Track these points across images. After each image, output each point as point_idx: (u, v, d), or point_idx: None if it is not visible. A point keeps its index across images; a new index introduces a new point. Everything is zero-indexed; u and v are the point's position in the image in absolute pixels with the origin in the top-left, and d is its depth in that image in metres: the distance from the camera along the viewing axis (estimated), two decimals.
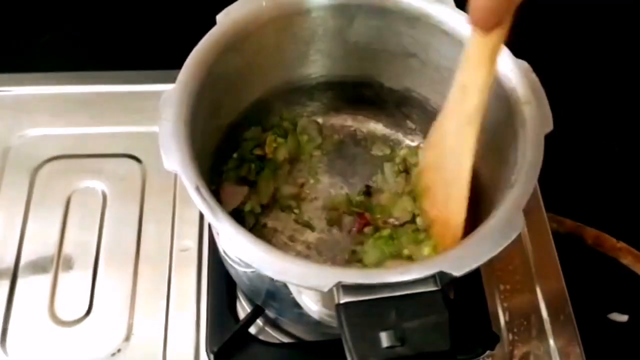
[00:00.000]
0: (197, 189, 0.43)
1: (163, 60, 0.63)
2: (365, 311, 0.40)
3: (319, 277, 0.41)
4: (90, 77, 0.75)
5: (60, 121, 0.72)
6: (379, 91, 0.62)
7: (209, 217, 0.42)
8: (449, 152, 0.49)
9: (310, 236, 0.59)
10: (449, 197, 0.50)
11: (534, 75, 0.49)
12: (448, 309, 0.41)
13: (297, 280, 0.41)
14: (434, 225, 0.53)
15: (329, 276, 0.40)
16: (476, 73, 0.44)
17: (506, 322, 0.62)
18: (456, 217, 0.49)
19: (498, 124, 0.50)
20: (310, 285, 0.41)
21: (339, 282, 0.40)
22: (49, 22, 0.84)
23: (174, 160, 0.44)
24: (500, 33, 0.41)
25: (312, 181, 0.62)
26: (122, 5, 0.76)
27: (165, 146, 0.45)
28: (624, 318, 0.77)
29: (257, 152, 0.61)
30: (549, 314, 0.63)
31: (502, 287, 0.64)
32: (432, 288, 0.41)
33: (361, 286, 0.40)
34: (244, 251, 0.41)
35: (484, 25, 0.40)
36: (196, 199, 0.43)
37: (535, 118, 0.47)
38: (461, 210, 0.49)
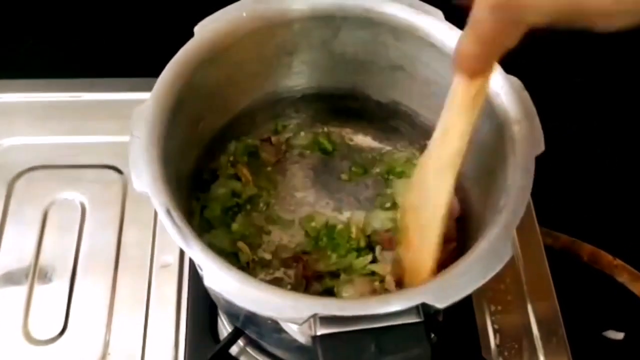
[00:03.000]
0: (168, 212, 0.41)
1: (146, 67, 0.61)
2: (344, 344, 0.39)
3: (294, 308, 0.38)
4: (69, 84, 0.73)
5: (38, 130, 0.70)
6: (366, 104, 0.60)
7: (179, 242, 0.40)
8: (427, 194, 0.47)
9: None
10: (422, 241, 0.47)
11: (525, 93, 0.47)
12: (430, 343, 0.39)
13: (271, 313, 0.39)
14: (407, 270, 0.50)
15: (305, 308, 0.38)
16: (458, 117, 0.42)
17: (497, 346, 0.60)
18: (426, 263, 0.47)
19: (487, 144, 0.48)
20: (286, 317, 0.39)
21: (316, 314, 0.38)
22: (31, 27, 0.82)
23: (144, 180, 0.42)
24: (484, 79, 0.40)
25: (298, 195, 0.60)
26: (106, 13, 0.74)
27: (135, 165, 0.43)
28: (619, 336, 0.76)
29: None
30: (542, 337, 0.61)
31: (493, 307, 0.62)
32: (415, 320, 0.39)
33: (339, 318, 0.38)
34: (215, 280, 0.39)
35: (469, 71, 0.39)
36: (166, 223, 0.41)
37: (525, 139, 0.45)
38: (431, 256, 0.46)
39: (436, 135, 0.44)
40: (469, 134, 0.42)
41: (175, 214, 0.41)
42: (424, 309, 0.39)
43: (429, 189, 0.46)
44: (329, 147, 0.62)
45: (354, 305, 0.39)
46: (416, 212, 0.49)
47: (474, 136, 0.43)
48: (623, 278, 0.75)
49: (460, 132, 0.42)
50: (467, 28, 0.36)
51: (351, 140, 0.63)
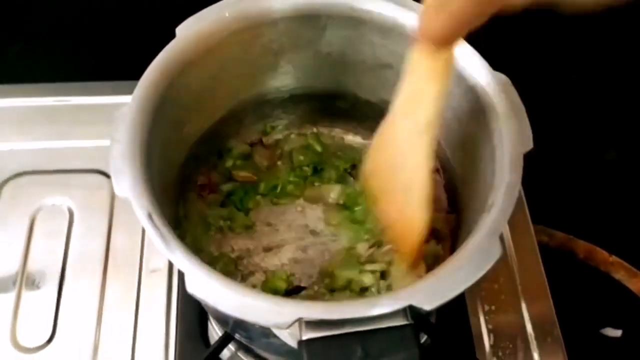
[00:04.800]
0: (149, 216, 0.40)
1: (134, 70, 0.60)
2: (330, 348, 0.38)
3: (278, 313, 0.38)
4: (55, 89, 0.72)
5: (24, 135, 0.69)
6: (354, 103, 0.59)
7: (159, 247, 0.40)
8: (402, 157, 0.46)
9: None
10: (407, 202, 0.47)
11: (513, 90, 0.46)
12: (419, 346, 0.38)
13: (254, 318, 0.38)
14: (392, 229, 0.50)
15: (289, 312, 0.38)
16: (428, 84, 0.41)
17: (491, 346, 0.59)
18: (416, 222, 0.46)
19: (475, 141, 0.47)
20: (269, 323, 0.38)
21: (301, 318, 0.37)
22: (21, 31, 0.81)
23: (125, 185, 0.41)
24: (451, 50, 0.40)
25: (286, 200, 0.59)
26: (92, 15, 0.73)
27: (116, 170, 0.42)
28: (617, 333, 0.75)
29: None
30: (536, 336, 0.60)
31: (486, 307, 0.61)
32: (402, 322, 0.38)
33: (325, 321, 0.38)
34: (197, 285, 0.38)
35: (436, 44, 0.38)
36: (148, 228, 0.40)
37: (514, 136, 0.44)
38: (421, 215, 0.46)
39: (402, 101, 0.44)
40: (443, 98, 0.42)
41: (157, 219, 0.40)
42: (412, 311, 0.38)
43: (404, 152, 0.45)
44: (318, 148, 0.61)
45: (339, 308, 0.38)
46: (392, 176, 0.48)
47: (459, 127, 0.42)
48: (620, 275, 0.74)
49: (434, 97, 0.41)
50: (438, 3, 0.35)
51: (341, 140, 0.63)
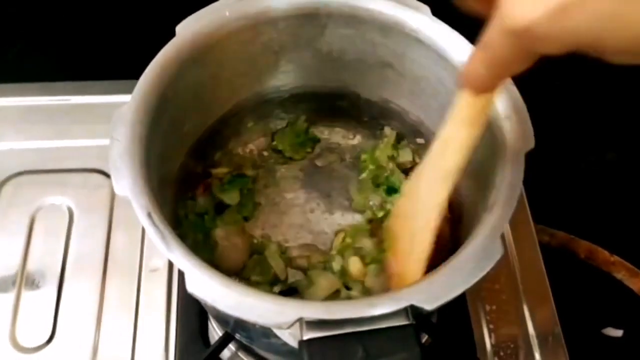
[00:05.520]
0: (149, 215, 0.40)
1: (134, 69, 0.60)
2: (331, 348, 0.38)
3: (279, 313, 0.37)
4: (56, 88, 0.72)
5: (24, 135, 0.69)
6: (355, 102, 0.59)
7: (159, 246, 0.39)
8: (420, 204, 0.46)
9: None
10: (412, 250, 0.46)
11: (514, 89, 0.46)
12: (420, 346, 0.38)
13: (255, 318, 0.37)
14: (393, 278, 0.49)
15: (289, 312, 0.37)
16: (459, 131, 0.41)
17: (492, 346, 0.59)
18: (414, 273, 0.45)
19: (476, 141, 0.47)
20: (270, 322, 0.38)
21: (301, 318, 0.37)
22: (21, 30, 0.81)
23: (125, 184, 0.41)
24: (490, 96, 0.39)
25: (288, 197, 0.59)
26: (92, 14, 0.73)
27: (116, 169, 0.42)
28: (618, 333, 0.75)
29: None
30: (537, 336, 0.60)
31: (487, 307, 0.61)
32: (403, 322, 0.38)
33: (325, 321, 0.37)
34: (197, 284, 0.38)
35: (475, 90, 0.38)
36: (147, 227, 0.40)
37: (515, 135, 0.44)
38: (419, 265, 0.45)
39: (435, 147, 0.43)
40: (469, 148, 0.41)
41: (157, 217, 0.40)
42: (413, 311, 0.38)
43: (422, 199, 0.45)
44: (317, 146, 0.61)
45: (340, 308, 0.38)
46: (407, 221, 0.48)
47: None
48: (621, 275, 0.74)
49: (460, 145, 0.41)
50: (478, 48, 0.34)
51: (341, 139, 0.62)
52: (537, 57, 0.32)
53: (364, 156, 0.60)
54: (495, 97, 0.41)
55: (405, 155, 0.59)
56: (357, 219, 0.58)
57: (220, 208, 0.57)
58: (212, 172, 0.58)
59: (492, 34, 0.33)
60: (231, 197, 0.56)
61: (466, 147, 0.41)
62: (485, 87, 0.37)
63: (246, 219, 0.57)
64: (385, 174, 0.59)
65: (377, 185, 0.58)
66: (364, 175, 0.59)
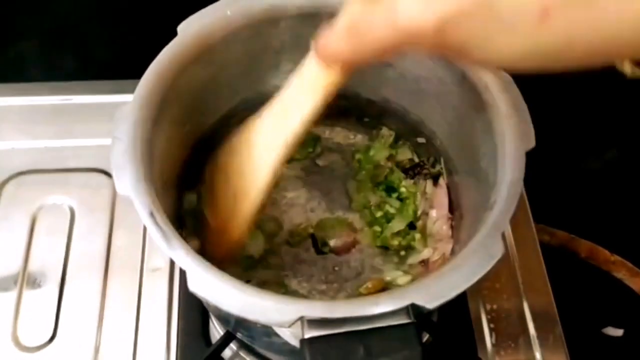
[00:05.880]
0: (151, 214, 0.40)
1: (135, 69, 0.60)
2: (332, 346, 0.38)
3: (281, 311, 0.38)
4: (58, 87, 0.72)
5: (26, 134, 0.70)
6: (356, 102, 0.59)
7: (161, 245, 0.39)
8: (251, 163, 0.45)
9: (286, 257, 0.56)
10: (234, 208, 0.46)
11: (515, 88, 0.46)
12: (421, 344, 0.38)
13: (256, 317, 0.38)
14: (212, 233, 0.49)
15: (291, 311, 0.37)
16: (302, 98, 0.41)
17: (493, 345, 0.59)
18: (234, 230, 0.46)
19: (477, 140, 0.47)
20: (271, 321, 0.38)
21: (303, 317, 0.37)
22: (23, 30, 0.81)
23: (127, 183, 0.41)
24: (339, 75, 0.39)
25: (289, 195, 0.59)
26: (94, 14, 0.73)
27: (118, 168, 0.42)
28: (619, 332, 0.75)
29: None
30: (538, 335, 0.60)
31: (488, 306, 0.61)
32: (404, 321, 0.38)
33: (327, 320, 0.37)
34: (199, 283, 0.38)
35: (327, 61, 0.38)
36: (149, 226, 0.40)
37: (515, 134, 0.44)
38: (240, 224, 0.45)
39: (275, 107, 0.44)
40: (310, 119, 0.41)
41: (159, 216, 0.40)
42: (414, 309, 0.38)
43: (254, 158, 0.45)
44: (318, 146, 0.61)
45: (341, 307, 0.38)
46: (233, 176, 0.47)
47: (460, 126, 0.42)
48: (621, 274, 0.74)
49: (302, 113, 0.41)
50: (347, 24, 0.34)
51: (342, 138, 0.62)
52: (407, 51, 0.34)
53: (358, 155, 0.60)
54: (343, 80, 0.39)
55: (404, 154, 0.59)
56: (357, 218, 0.58)
57: None
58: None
59: (375, 20, 0.32)
60: None
61: (306, 116, 0.41)
62: (338, 64, 0.37)
63: None
64: (385, 173, 0.59)
65: (376, 185, 0.59)
66: (361, 174, 0.59)
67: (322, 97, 0.40)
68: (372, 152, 0.59)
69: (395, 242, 0.55)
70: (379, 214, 0.57)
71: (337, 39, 0.35)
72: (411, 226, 0.56)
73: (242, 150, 0.46)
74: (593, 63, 0.31)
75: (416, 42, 0.31)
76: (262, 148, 0.44)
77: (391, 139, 0.60)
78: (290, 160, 0.60)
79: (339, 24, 0.34)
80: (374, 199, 0.57)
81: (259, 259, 0.54)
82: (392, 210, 0.56)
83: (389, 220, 0.56)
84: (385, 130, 0.60)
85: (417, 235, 0.55)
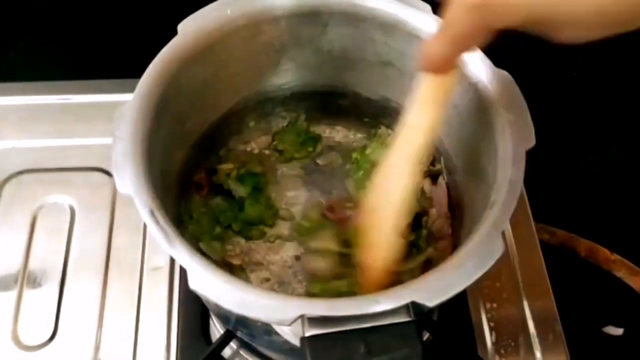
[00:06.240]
0: (152, 213, 0.40)
1: (136, 68, 0.60)
2: (333, 345, 0.38)
3: (281, 309, 0.38)
4: (58, 87, 0.72)
5: (26, 133, 0.69)
6: (356, 101, 0.59)
7: (162, 244, 0.39)
8: (388, 193, 0.46)
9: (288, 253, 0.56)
10: (381, 241, 0.47)
11: (515, 87, 0.46)
12: (422, 342, 0.38)
13: (257, 314, 0.38)
14: (365, 271, 0.49)
15: (292, 309, 0.37)
16: (423, 114, 0.42)
17: (493, 343, 0.59)
18: (380, 262, 0.46)
19: (477, 139, 0.47)
20: (272, 319, 0.38)
21: (303, 315, 0.37)
22: (23, 29, 0.81)
23: (127, 182, 0.41)
24: (452, 75, 0.40)
25: (289, 195, 0.59)
26: (94, 13, 0.73)
27: (118, 167, 0.42)
28: (619, 331, 0.75)
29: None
30: (538, 334, 0.60)
31: (488, 305, 0.61)
32: (405, 319, 0.38)
33: (327, 318, 0.37)
34: (200, 281, 0.38)
35: (437, 70, 0.39)
36: (150, 224, 0.40)
37: (516, 133, 0.44)
38: (386, 252, 0.46)
39: (401, 133, 0.44)
40: (434, 130, 0.43)
41: (159, 215, 0.40)
42: (414, 308, 0.38)
43: (390, 187, 0.46)
44: (319, 145, 0.61)
45: (342, 305, 0.38)
46: (375, 213, 0.48)
47: (461, 125, 0.42)
48: (621, 273, 0.74)
49: (426, 128, 0.42)
50: (439, 30, 0.36)
51: (342, 137, 0.63)
52: (495, 31, 0.34)
53: (355, 155, 0.60)
54: (456, 76, 0.41)
55: None
56: None
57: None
58: (218, 167, 0.58)
59: (452, 13, 0.34)
60: (242, 191, 0.57)
61: (431, 129, 0.42)
62: (445, 66, 0.38)
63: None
64: None
65: None
66: (360, 173, 0.59)
67: (440, 106, 0.42)
68: (368, 151, 0.59)
69: (411, 237, 0.54)
70: None
71: (433, 49, 0.37)
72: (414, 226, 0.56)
73: (380, 186, 0.47)
74: None
75: (493, 12, 0.33)
76: (396, 176, 0.45)
77: (390, 138, 0.60)
78: (290, 159, 0.61)
79: (433, 36, 0.37)
80: None
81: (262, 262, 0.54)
82: None
83: None
84: (383, 130, 0.60)
85: (424, 232, 0.55)
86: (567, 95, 0.83)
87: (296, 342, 0.43)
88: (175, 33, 0.49)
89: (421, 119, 0.42)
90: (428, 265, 0.54)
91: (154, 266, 0.62)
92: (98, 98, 0.71)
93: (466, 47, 0.37)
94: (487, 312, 0.61)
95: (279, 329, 0.46)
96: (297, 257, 0.55)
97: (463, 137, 0.50)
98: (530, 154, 0.44)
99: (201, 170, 0.57)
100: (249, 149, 0.61)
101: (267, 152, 0.61)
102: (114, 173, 0.42)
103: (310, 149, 0.61)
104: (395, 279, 0.48)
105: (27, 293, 0.61)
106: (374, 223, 0.48)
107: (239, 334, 0.54)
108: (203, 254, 0.50)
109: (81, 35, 0.74)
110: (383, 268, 0.47)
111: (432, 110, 0.42)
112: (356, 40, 0.53)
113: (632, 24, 0.30)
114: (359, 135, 0.62)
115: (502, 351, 0.59)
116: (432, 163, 0.58)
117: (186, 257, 0.39)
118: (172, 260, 0.62)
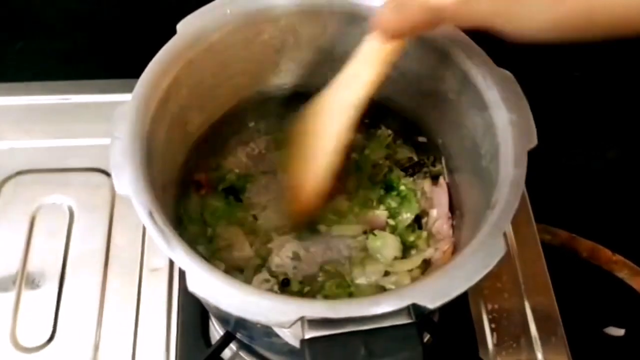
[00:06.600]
0: (150, 214, 0.40)
1: (135, 68, 0.60)
2: (333, 347, 0.37)
3: (281, 312, 0.37)
4: (57, 87, 0.71)
5: (25, 134, 0.70)
6: None
7: (160, 245, 0.39)
8: (321, 129, 0.50)
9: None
10: (307, 169, 0.51)
11: (517, 87, 0.46)
12: (422, 344, 0.37)
13: (257, 317, 0.37)
14: (294, 189, 0.53)
15: (291, 311, 0.37)
16: (367, 68, 0.46)
17: (494, 345, 0.59)
18: (314, 185, 0.51)
19: (478, 139, 0.47)
20: (272, 321, 0.37)
21: (303, 317, 0.37)
22: (23, 29, 0.81)
23: (126, 182, 0.41)
24: (395, 46, 0.44)
25: None
26: (92, 13, 0.73)
27: (117, 167, 0.42)
28: (620, 332, 0.75)
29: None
30: (540, 335, 0.60)
31: (489, 306, 0.61)
32: (405, 321, 0.38)
33: (327, 320, 0.37)
34: (198, 283, 0.38)
35: (387, 36, 0.43)
36: (148, 226, 0.40)
37: (517, 133, 0.44)
38: (312, 185, 0.51)
39: (340, 78, 0.48)
40: (374, 85, 0.46)
41: (158, 216, 0.40)
42: (415, 309, 0.38)
43: (324, 125, 0.49)
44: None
45: (342, 306, 0.38)
46: (307, 139, 0.51)
47: (462, 125, 0.44)
48: (623, 273, 0.74)
49: (366, 81, 0.46)
50: (394, 4, 0.40)
51: None
52: (438, 25, 0.38)
53: (353, 155, 0.60)
54: (400, 49, 0.45)
55: (404, 153, 0.59)
56: None
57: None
58: (218, 168, 0.58)
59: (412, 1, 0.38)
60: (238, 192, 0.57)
61: (371, 82, 0.46)
62: (396, 36, 0.43)
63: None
64: (383, 172, 0.59)
65: (374, 184, 0.58)
66: (359, 173, 0.59)
67: (381, 66, 0.45)
68: (367, 152, 0.59)
69: (411, 238, 0.55)
70: (381, 208, 0.56)
71: (387, 14, 0.41)
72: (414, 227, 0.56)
73: (312, 118, 0.51)
74: (619, 33, 0.33)
75: (444, 18, 0.37)
76: (330, 114, 0.49)
77: (389, 139, 0.59)
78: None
79: (388, 4, 0.40)
80: (373, 196, 0.57)
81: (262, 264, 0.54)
82: (393, 204, 0.56)
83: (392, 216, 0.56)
84: (382, 130, 0.60)
85: (424, 234, 0.55)
86: (569, 95, 0.82)
87: (296, 344, 0.43)
88: (174, 32, 0.48)
89: (362, 70, 0.46)
90: (428, 267, 0.54)
91: (153, 267, 0.62)
92: (97, 98, 0.71)
93: (415, 33, 0.42)
94: (488, 313, 0.61)
95: (279, 331, 0.45)
96: (297, 258, 0.55)
97: (464, 137, 0.50)
98: (532, 154, 0.44)
99: (201, 170, 0.56)
100: (249, 149, 0.60)
101: (266, 152, 0.61)
102: (112, 174, 0.42)
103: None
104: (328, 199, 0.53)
105: (26, 294, 0.60)
106: (303, 149, 0.52)
107: (238, 335, 0.54)
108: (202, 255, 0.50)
109: (81, 35, 0.74)
110: (314, 189, 0.51)
111: (373, 66, 0.45)
112: (357, 40, 0.53)
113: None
114: (358, 136, 0.61)
115: (504, 352, 0.58)
116: (433, 163, 0.57)
117: (185, 259, 0.39)
118: (172, 261, 0.61)
